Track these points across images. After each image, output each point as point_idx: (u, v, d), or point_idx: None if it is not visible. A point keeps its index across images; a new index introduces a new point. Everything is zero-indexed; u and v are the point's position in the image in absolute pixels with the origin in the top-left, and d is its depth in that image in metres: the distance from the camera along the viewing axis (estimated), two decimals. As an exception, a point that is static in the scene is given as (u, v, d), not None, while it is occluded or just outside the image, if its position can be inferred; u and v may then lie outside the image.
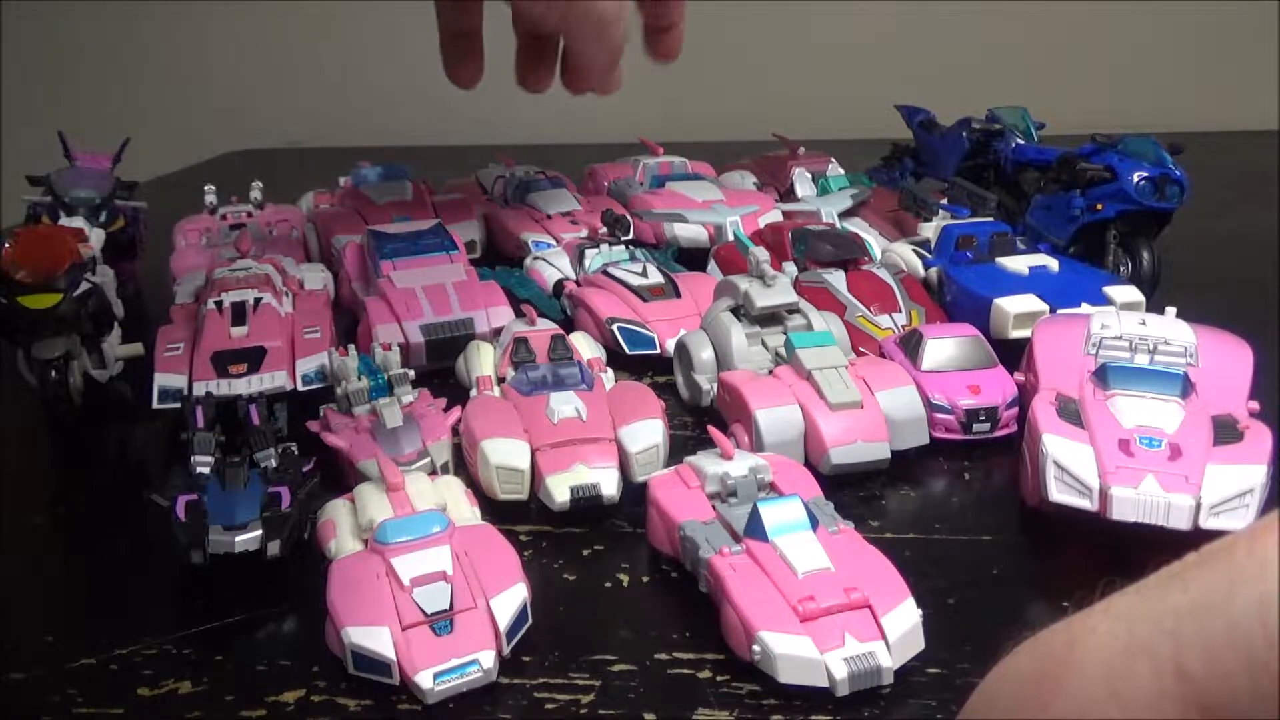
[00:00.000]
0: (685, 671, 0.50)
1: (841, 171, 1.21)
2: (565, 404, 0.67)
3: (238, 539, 0.56)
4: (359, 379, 0.71)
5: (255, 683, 0.51)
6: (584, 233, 1.04)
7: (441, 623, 0.50)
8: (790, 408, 0.67)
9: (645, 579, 0.59)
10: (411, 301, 0.85)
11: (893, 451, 0.67)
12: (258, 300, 0.80)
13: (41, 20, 1.87)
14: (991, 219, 0.95)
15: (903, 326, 0.81)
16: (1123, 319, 0.69)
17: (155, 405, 0.73)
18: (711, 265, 0.98)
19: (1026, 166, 1.04)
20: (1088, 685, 0.17)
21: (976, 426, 0.70)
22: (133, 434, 0.79)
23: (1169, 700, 0.16)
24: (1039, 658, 0.19)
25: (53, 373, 0.77)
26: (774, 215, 1.08)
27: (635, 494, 0.63)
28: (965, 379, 0.72)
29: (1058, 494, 0.59)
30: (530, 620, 0.52)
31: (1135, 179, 0.90)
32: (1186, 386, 0.63)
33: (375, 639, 0.49)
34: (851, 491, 0.66)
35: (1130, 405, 0.62)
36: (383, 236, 0.93)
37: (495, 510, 0.62)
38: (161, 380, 0.74)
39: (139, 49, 1.90)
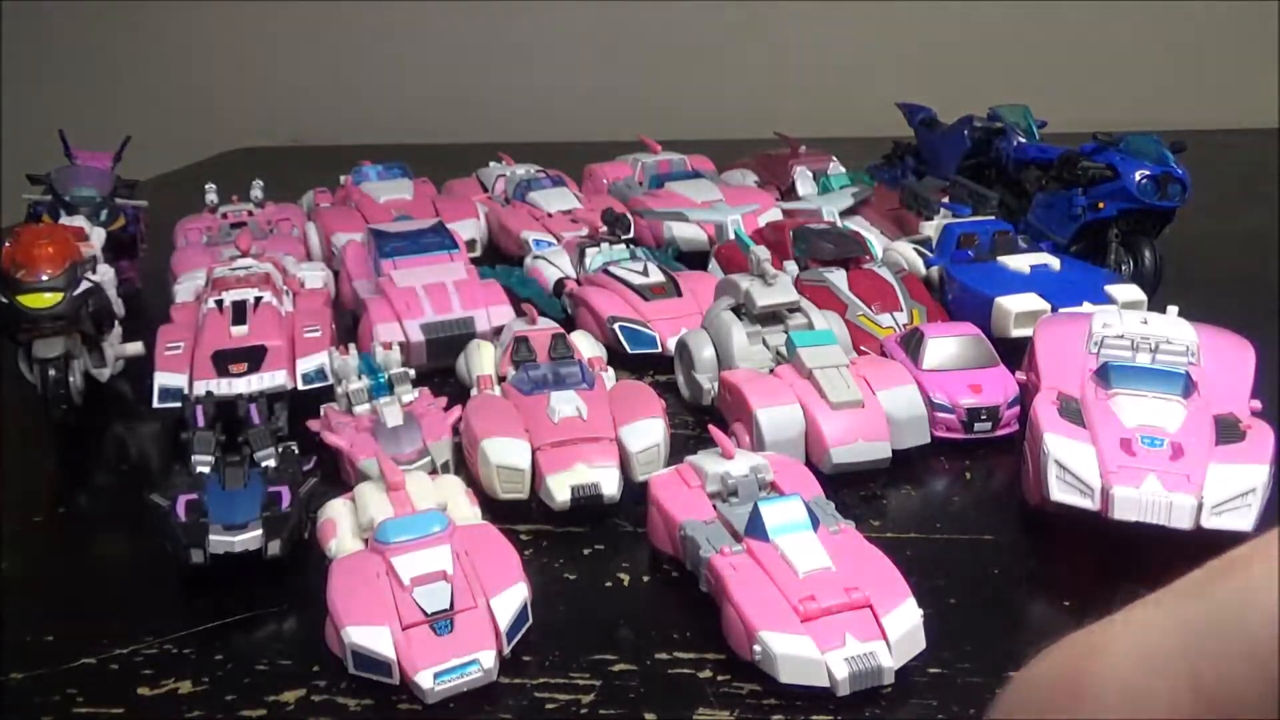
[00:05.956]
0: (686, 671, 0.50)
1: (843, 170, 1.21)
2: (566, 403, 0.67)
3: (238, 539, 0.56)
4: (359, 378, 0.70)
5: (255, 683, 0.51)
6: (584, 231, 1.04)
7: (442, 622, 0.50)
8: (791, 407, 0.67)
9: (646, 579, 0.58)
10: (412, 300, 0.85)
11: (894, 451, 0.67)
12: (258, 299, 0.80)
13: (41, 20, 1.87)
14: (993, 217, 0.95)
15: (904, 325, 0.81)
16: (1124, 318, 0.69)
17: (155, 405, 0.73)
18: (712, 264, 0.98)
19: (1028, 165, 1.04)
20: (1105, 697, 0.17)
21: (978, 426, 0.70)
22: (133, 434, 0.79)
23: (1185, 715, 0.16)
24: (1058, 667, 0.18)
25: (53, 372, 0.76)
26: (775, 214, 1.07)
27: (636, 493, 0.63)
28: (966, 378, 0.72)
29: (1059, 493, 0.58)
30: (530, 620, 0.52)
31: (1137, 177, 0.90)
32: (1188, 386, 0.63)
33: (375, 639, 0.49)
34: (852, 491, 0.66)
35: (1132, 404, 0.62)
36: (383, 235, 0.93)
37: (496, 509, 0.62)
38: (162, 380, 0.74)
39: (139, 49, 1.90)
